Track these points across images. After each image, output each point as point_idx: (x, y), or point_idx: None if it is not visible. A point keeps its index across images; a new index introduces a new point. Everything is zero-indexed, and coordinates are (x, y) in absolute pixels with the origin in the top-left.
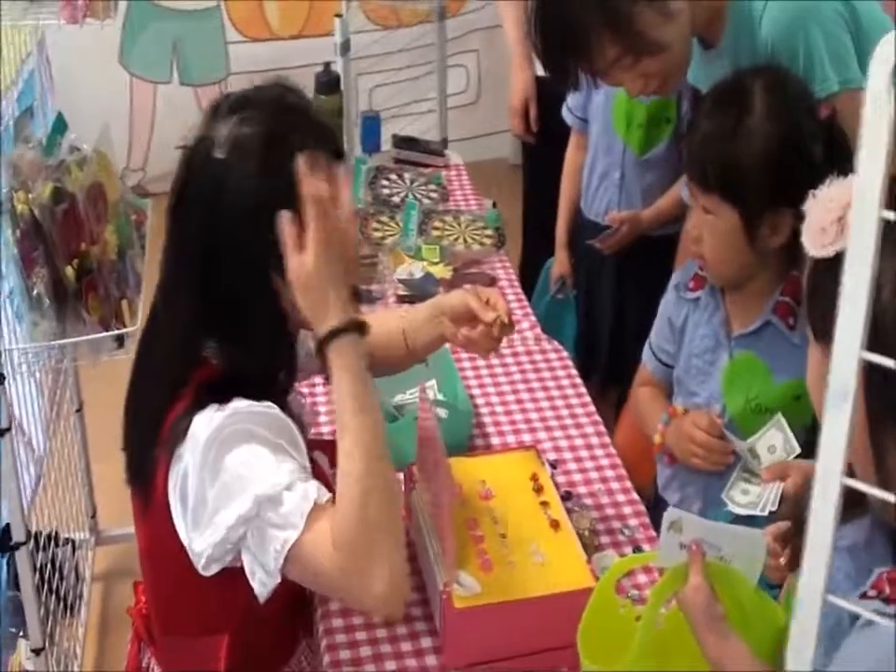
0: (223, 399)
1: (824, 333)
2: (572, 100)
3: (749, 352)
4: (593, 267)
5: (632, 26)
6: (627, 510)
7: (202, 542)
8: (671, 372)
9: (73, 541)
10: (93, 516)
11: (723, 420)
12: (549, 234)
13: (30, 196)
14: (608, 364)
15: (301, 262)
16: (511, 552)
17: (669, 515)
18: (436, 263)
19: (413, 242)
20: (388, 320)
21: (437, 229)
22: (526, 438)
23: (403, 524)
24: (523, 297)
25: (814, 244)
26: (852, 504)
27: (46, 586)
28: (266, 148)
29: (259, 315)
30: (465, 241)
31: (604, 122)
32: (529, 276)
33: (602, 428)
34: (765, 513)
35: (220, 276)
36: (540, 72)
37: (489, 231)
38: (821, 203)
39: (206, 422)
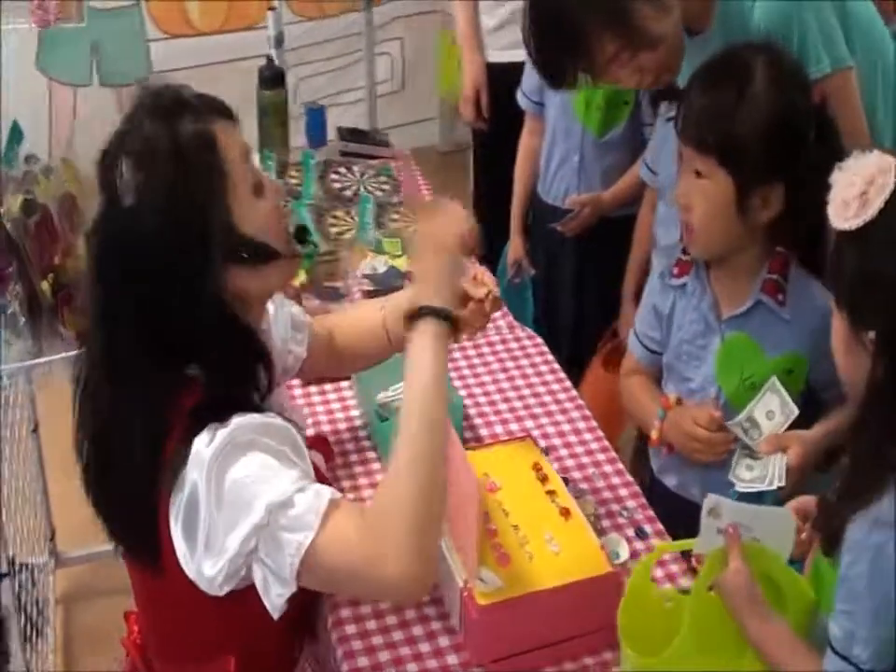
0: (221, 417)
1: (847, 303)
2: (527, 84)
3: (740, 332)
4: (552, 250)
5: (631, 21)
6: (623, 491)
7: (217, 562)
8: (658, 358)
9: (34, 566)
10: (52, 539)
11: (719, 403)
12: (501, 221)
13: (0, 210)
14: (570, 344)
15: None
16: (526, 543)
17: (709, 502)
18: (398, 256)
19: (372, 236)
20: (367, 313)
21: (394, 221)
22: (514, 427)
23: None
24: None
25: (837, 216)
26: (882, 478)
27: (23, 615)
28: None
29: (216, 336)
30: None
31: (562, 105)
32: (481, 264)
33: (587, 412)
34: (773, 487)
35: (173, 316)
36: (490, 59)
37: None
38: (845, 178)
39: (208, 440)
